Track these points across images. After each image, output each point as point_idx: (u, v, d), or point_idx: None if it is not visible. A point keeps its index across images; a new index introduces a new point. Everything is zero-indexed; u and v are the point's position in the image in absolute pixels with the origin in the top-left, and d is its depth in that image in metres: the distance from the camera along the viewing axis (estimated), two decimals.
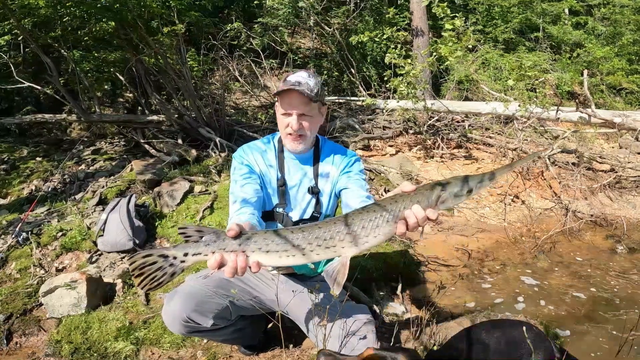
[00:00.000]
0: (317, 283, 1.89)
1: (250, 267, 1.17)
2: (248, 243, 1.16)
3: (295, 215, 1.87)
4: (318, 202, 1.89)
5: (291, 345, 2.24)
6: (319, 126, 1.86)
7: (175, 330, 1.79)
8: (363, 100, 6.71)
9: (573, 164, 5.35)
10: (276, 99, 1.81)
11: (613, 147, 6.95)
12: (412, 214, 1.21)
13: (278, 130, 1.90)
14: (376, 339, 1.68)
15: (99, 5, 4.78)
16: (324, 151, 1.92)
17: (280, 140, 1.90)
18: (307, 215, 1.89)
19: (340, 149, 1.96)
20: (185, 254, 1.17)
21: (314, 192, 1.86)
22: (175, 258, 1.17)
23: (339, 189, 1.85)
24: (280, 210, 1.84)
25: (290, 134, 1.77)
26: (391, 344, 2.06)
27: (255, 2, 8.57)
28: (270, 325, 2.35)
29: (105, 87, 6.91)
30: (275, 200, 1.86)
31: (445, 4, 5.35)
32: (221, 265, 1.16)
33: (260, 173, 1.84)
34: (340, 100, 7.55)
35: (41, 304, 2.72)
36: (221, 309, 1.80)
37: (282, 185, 1.85)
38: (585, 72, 5.77)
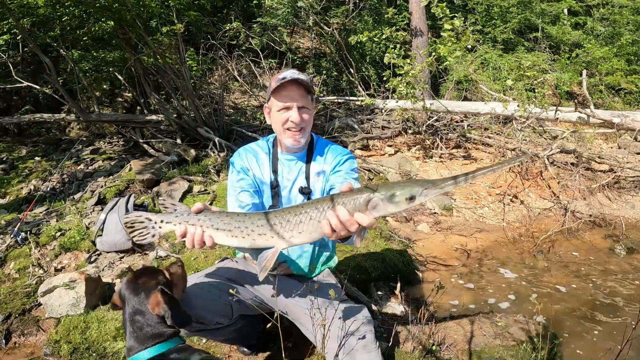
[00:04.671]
0: (316, 283, 1.88)
1: (205, 242, 1.31)
2: (205, 219, 1.32)
3: None
4: None
5: (290, 345, 2.25)
6: (312, 122, 1.87)
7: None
8: (362, 100, 6.71)
9: (572, 164, 5.36)
10: (268, 99, 1.83)
11: (612, 147, 6.96)
12: (333, 215, 1.19)
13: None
14: (375, 339, 1.68)
15: (97, 4, 4.77)
16: (316, 150, 1.93)
17: (274, 143, 1.93)
18: None
19: (332, 147, 1.96)
20: (162, 221, 1.40)
21: (305, 192, 1.87)
22: (156, 223, 1.41)
23: (329, 188, 1.84)
24: None
25: (289, 128, 1.77)
26: (389, 344, 2.06)
27: (254, 1, 8.57)
28: (269, 325, 2.35)
29: (104, 86, 6.90)
30: (269, 202, 1.88)
31: (445, 4, 5.35)
32: (185, 235, 1.35)
33: (255, 176, 1.87)
34: (339, 100, 7.55)
35: (40, 304, 2.72)
36: (224, 307, 1.82)
37: (275, 187, 1.87)
38: (584, 72, 5.78)
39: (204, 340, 2.33)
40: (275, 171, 1.89)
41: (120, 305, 1.59)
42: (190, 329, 1.77)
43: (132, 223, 1.45)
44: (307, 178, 1.88)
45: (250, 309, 1.90)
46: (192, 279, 1.87)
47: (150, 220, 1.42)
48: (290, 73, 1.76)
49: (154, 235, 1.43)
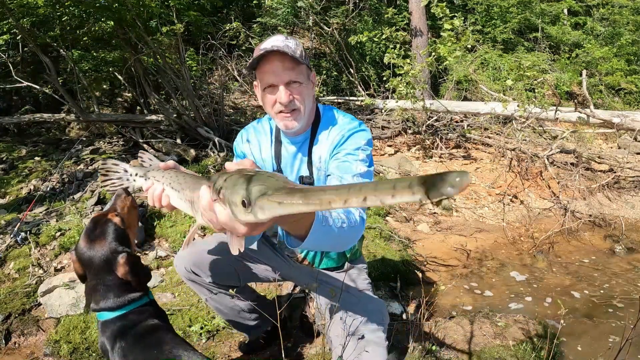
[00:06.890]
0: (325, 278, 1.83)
1: (162, 200, 1.19)
2: (168, 177, 1.20)
3: None
4: None
5: (290, 345, 2.25)
6: (313, 97, 1.54)
7: (180, 274, 1.86)
8: (362, 100, 6.71)
9: (572, 164, 5.36)
10: (255, 80, 1.54)
11: (612, 147, 6.97)
12: (194, 197, 1.02)
13: None
14: (385, 335, 1.59)
15: (97, 4, 4.78)
16: (320, 128, 1.60)
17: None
18: None
19: (338, 121, 1.59)
20: (136, 174, 1.32)
21: (306, 182, 1.60)
22: (131, 175, 1.34)
23: (327, 177, 1.53)
24: None
25: (281, 111, 1.47)
26: (389, 344, 2.06)
27: (254, 1, 8.58)
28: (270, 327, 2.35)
29: (104, 86, 6.91)
30: None
31: (444, 4, 5.35)
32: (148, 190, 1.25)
33: (256, 160, 1.69)
34: (339, 100, 7.56)
35: (40, 304, 2.71)
36: (226, 267, 1.82)
37: None
38: (584, 72, 5.77)
39: (203, 340, 2.33)
40: (278, 157, 1.64)
41: (82, 271, 1.43)
42: (186, 276, 1.81)
43: (107, 170, 1.35)
44: (310, 165, 1.59)
45: (259, 276, 1.90)
46: (210, 237, 1.90)
47: (127, 172, 1.34)
48: (272, 41, 1.41)
49: (127, 187, 1.37)
